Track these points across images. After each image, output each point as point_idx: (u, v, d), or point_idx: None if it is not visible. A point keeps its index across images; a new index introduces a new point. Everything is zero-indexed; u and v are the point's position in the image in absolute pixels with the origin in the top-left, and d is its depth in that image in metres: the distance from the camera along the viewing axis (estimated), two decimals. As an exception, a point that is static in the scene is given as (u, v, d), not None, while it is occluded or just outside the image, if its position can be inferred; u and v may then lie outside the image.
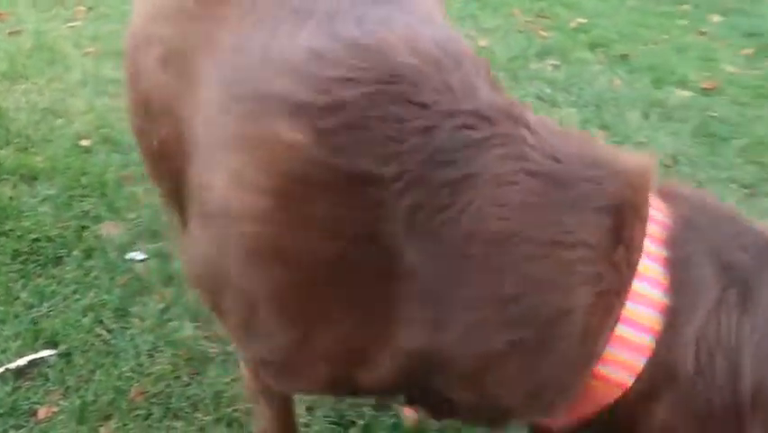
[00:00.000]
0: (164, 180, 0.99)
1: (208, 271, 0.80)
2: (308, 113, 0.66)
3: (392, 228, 0.62)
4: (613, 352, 0.60)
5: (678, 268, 0.60)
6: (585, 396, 0.62)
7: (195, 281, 0.91)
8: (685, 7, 4.08)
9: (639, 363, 0.60)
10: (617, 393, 0.61)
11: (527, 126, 0.65)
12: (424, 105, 0.64)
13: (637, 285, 0.59)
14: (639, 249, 0.60)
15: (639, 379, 0.60)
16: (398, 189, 0.62)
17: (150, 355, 1.60)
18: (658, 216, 0.62)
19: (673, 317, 0.59)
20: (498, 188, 0.61)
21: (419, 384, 0.69)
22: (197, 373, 1.56)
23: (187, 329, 1.65)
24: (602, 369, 0.61)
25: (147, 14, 0.99)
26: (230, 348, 1.62)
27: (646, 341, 0.60)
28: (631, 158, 0.66)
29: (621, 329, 0.59)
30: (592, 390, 0.62)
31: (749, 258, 0.60)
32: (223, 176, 0.72)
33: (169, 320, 1.68)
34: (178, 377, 1.55)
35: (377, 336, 0.66)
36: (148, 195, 2.09)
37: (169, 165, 0.89)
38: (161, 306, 1.71)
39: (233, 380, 1.55)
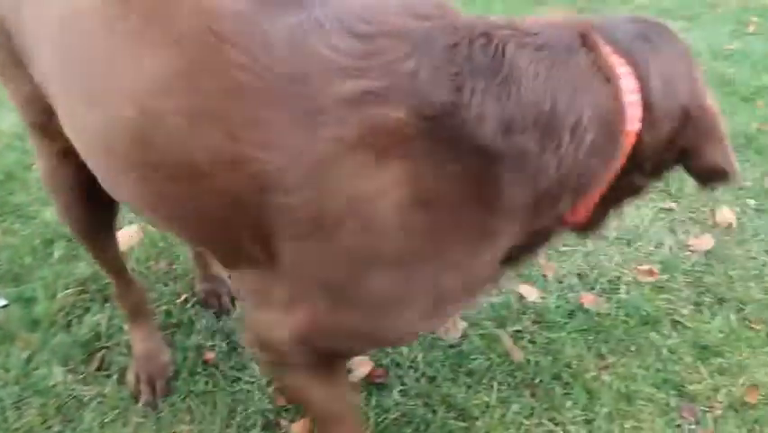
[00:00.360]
0: (234, 235, 0.97)
1: (350, 275, 0.91)
2: (390, 93, 0.83)
3: (481, 133, 0.83)
4: (627, 113, 0.89)
5: (622, 50, 0.90)
6: (623, 146, 0.90)
7: (325, 300, 0.96)
8: (542, 9, 4.36)
9: (639, 112, 0.90)
10: (633, 139, 0.91)
11: (505, 26, 0.89)
12: (455, 45, 0.85)
13: (618, 71, 0.89)
14: (605, 52, 0.90)
15: (641, 123, 0.90)
16: (477, 104, 0.83)
17: (17, 408, 1.49)
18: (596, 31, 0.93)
19: (641, 77, 0.90)
20: (528, 67, 0.85)
21: (541, 221, 0.93)
22: (70, 421, 1.47)
23: (57, 375, 1.55)
24: (626, 126, 0.90)
25: (137, 98, 0.91)
26: (106, 390, 1.54)
27: (638, 98, 0.89)
28: (560, 15, 0.98)
29: (626, 97, 0.89)
30: (624, 141, 0.90)
31: (648, 29, 0.94)
32: (346, 176, 0.84)
33: (36, 368, 1.57)
34: (49, 427, 1.45)
35: (502, 208, 0.88)
36: (5, 235, 1.95)
37: (242, 213, 0.92)
38: (26, 354, 1.60)
39: (111, 421, 1.47)
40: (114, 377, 1.57)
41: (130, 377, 1.55)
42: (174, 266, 1.93)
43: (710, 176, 0.98)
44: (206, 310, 1.76)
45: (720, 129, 0.96)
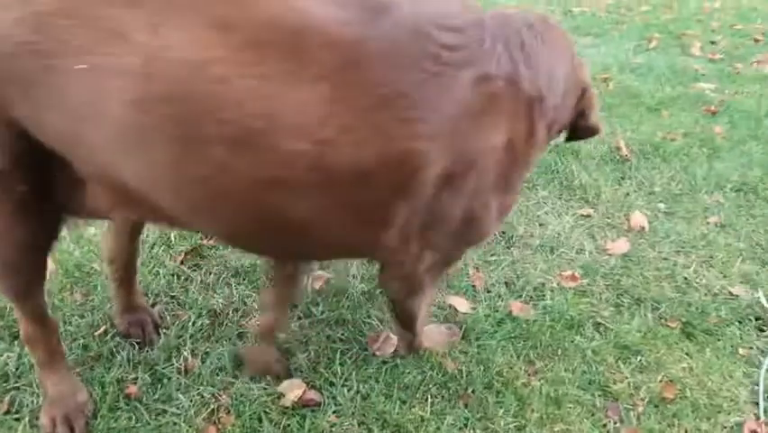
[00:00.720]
0: (377, 221, 1.18)
1: (468, 210, 1.22)
2: (493, 72, 1.11)
3: (528, 90, 1.16)
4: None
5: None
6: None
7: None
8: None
9: None
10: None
11: (513, 16, 1.21)
12: (503, 34, 1.15)
13: None
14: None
15: None
16: (524, 73, 1.15)
17: None
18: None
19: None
20: (538, 48, 1.18)
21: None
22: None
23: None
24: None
25: (306, 130, 0.99)
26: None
27: None
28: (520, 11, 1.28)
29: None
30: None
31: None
32: (477, 137, 1.13)
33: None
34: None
35: (536, 141, 1.24)
36: None
37: (395, 196, 1.12)
38: None
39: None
40: (26, 420, 1.46)
41: (44, 420, 1.44)
42: (91, 297, 1.83)
43: (591, 131, 1.43)
44: (127, 341, 1.68)
45: (596, 101, 1.41)
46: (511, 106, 1.15)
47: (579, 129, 1.41)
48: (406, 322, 1.59)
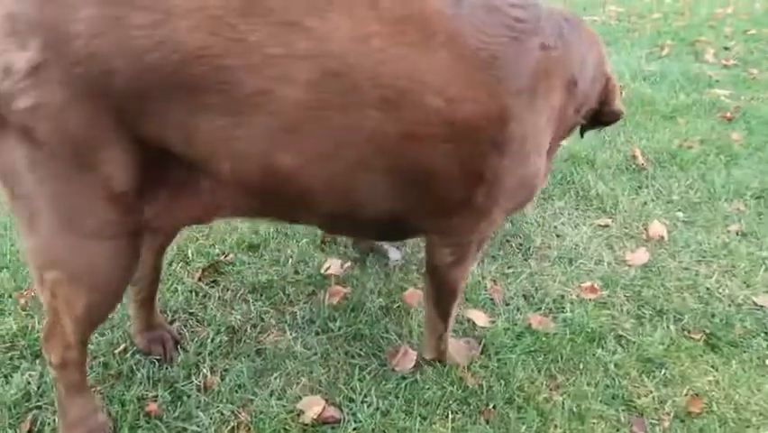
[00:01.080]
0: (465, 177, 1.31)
1: (534, 165, 1.36)
2: (550, 43, 1.27)
3: (570, 69, 1.32)
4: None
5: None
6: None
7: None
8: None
9: None
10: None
11: (553, 10, 1.34)
12: (548, 15, 1.31)
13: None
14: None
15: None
16: (567, 54, 1.31)
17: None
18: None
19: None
20: (575, 39, 1.33)
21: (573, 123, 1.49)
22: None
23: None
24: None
25: (443, 90, 1.17)
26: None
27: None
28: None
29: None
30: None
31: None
32: (545, 95, 1.28)
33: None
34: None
35: (568, 115, 1.41)
36: None
37: (485, 151, 1.26)
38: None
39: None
40: (48, 439, 1.47)
41: (65, 440, 1.45)
42: (110, 315, 1.83)
43: (614, 115, 1.55)
44: (147, 359, 1.68)
45: (618, 89, 1.55)
46: (563, 74, 1.31)
47: (603, 114, 1.53)
48: (445, 299, 1.59)
